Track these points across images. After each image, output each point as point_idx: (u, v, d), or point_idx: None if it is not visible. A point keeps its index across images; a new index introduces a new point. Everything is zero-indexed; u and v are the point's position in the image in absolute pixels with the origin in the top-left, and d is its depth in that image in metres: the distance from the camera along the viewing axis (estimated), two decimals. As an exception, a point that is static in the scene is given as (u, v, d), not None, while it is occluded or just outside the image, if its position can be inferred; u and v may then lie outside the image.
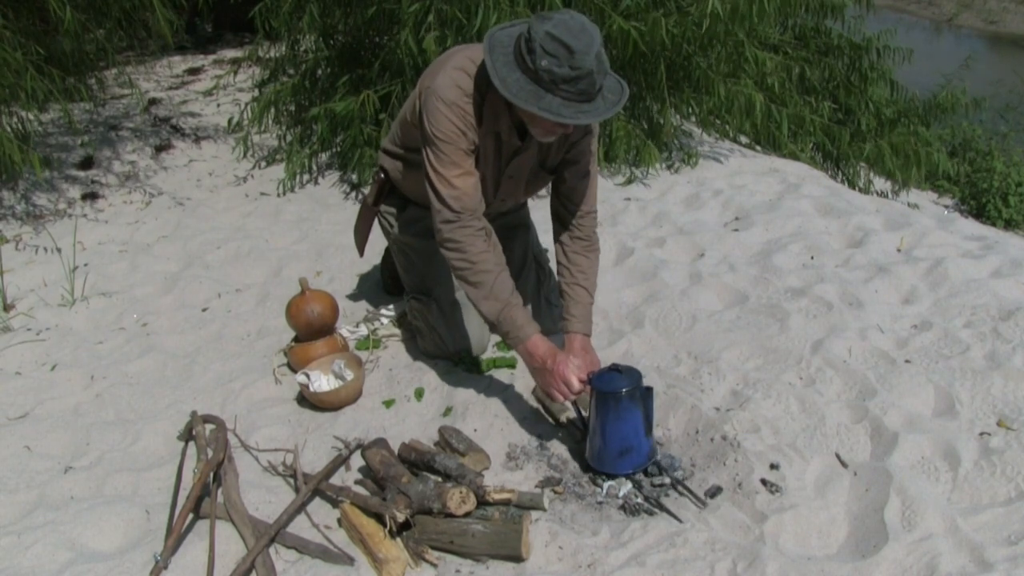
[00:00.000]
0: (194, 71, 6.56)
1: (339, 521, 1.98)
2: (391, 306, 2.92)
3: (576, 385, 2.12)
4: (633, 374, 2.08)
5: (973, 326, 2.65)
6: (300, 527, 1.98)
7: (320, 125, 4.28)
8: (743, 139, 5.04)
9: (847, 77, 5.65)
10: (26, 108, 3.94)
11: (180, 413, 2.47)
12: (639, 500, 2.02)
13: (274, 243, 3.69)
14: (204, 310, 3.15)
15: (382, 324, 2.85)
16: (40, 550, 1.92)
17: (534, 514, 1.95)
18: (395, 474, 1.98)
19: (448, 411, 2.39)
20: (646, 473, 2.10)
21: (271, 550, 1.90)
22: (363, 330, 2.82)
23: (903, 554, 1.79)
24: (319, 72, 4.76)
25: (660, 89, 4.32)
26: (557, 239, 2.43)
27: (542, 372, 2.17)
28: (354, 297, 3.14)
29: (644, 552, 1.83)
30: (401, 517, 1.86)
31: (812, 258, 3.21)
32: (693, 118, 4.80)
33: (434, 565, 1.85)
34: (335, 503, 2.03)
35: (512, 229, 2.68)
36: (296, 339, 2.68)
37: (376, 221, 2.71)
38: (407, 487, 1.91)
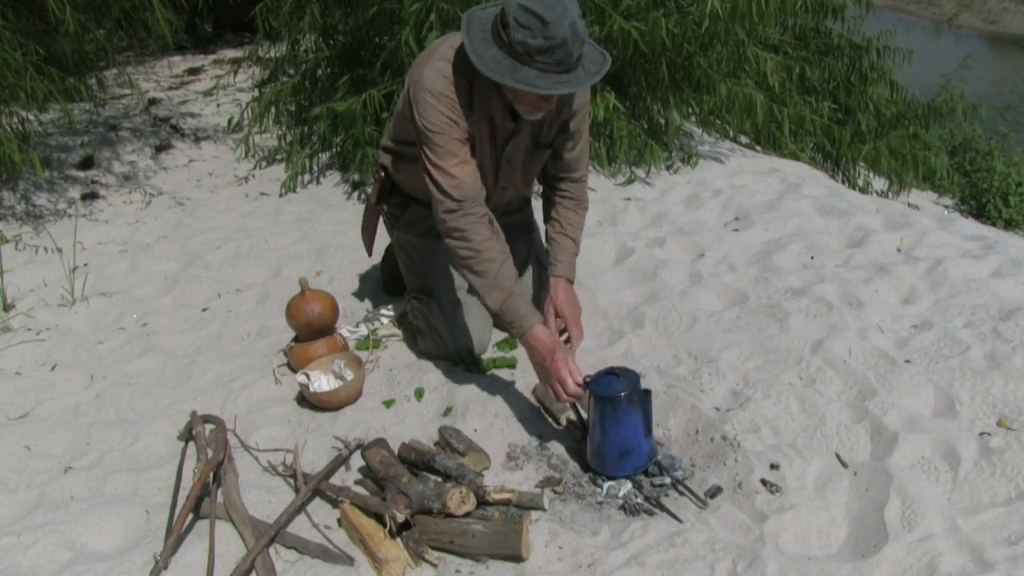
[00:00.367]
0: (194, 71, 6.56)
1: (339, 521, 1.98)
2: (391, 306, 2.92)
3: (571, 386, 2.10)
4: (631, 377, 2.08)
5: (973, 326, 2.65)
6: (300, 527, 1.98)
7: (321, 125, 4.28)
8: (743, 139, 5.04)
9: (847, 77, 5.65)
10: (26, 108, 3.94)
11: (180, 413, 2.47)
12: (639, 500, 2.02)
13: (274, 243, 3.69)
14: (204, 310, 3.15)
15: (382, 324, 2.85)
16: (40, 550, 1.92)
17: (534, 514, 1.95)
18: (395, 474, 1.98)
19: (448, 411, 2.39)
20: (646, 473, 2.10)
21: (271, 550, 1.90)
22: (363, 330, 2.82)
23: (903, 554, 1.79)
24: (319, 72, 4.76)
25: (662, 89, 4.32)
26: (546, 198, 2.49)
27: (541, 368, 2.18)
28: (354, 297, 3.14)
29: (644, 552, 1.83)
30: (401, 517, 1.86)
31: (812, 258, 3.21)
32: (693, 118, 4.80)
33: (434, 565, 1.85)
34: (335, 503, 2.03)
35: (516, 229, 2.67)
36: (296, 339, 2.68)
37: (380, 219, 2.72)
38: (407, 487, 1.91)
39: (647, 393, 2.09)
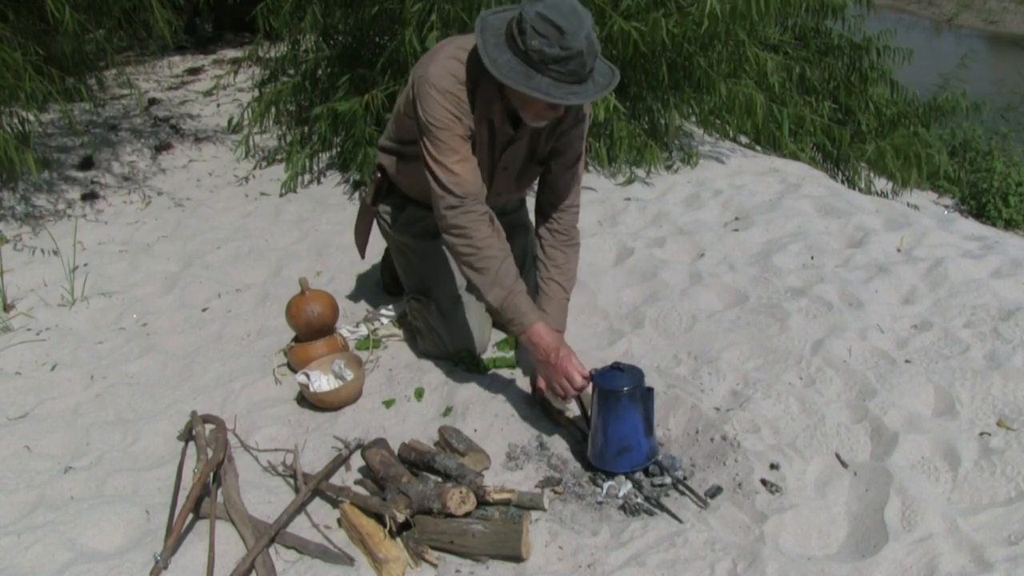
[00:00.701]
0: (194, 71, 6.56)
1: (339, 521, 1.98)
2: (391, 306, 2.92)
3: (579, 381, 2.12)
4: (635, 373, 2.08)
5: (973, 326, 2.65)
6: (300, 527, 1.98)
7: (321, 124, 4.28)
8: (743, 139, 5.04)
9: (847, 77, 5.65)
10: (26, 108, 3.94)
11: (180, 413, 2.47)
12: (639, 500, 2.02)
13: (274, 243, 3.69)
14: (204, 310, 3.15)
15: (382, 324, 2.85)
16: (40, 550, 1.92)
17: (534, 514, 1.95)
18: (395, 474, 1.98)
19: (448, 411, 2.39)
20: (646, 473, 2.10)
21: (271, 550, 1.90)
22: (363, 330, 2.82)
23: (903, 554, 1.79)
24: (320, 72, 4.76)
25: (663, 89, 4.32)
26: (537, 233, 2.45)
27: (545, 365, 2.18)
28: (354, 297, 3.14)
29: (644, 552, 1.83)
30: (401, 517, 1.86)
31: (812, 258, 3.21)
32: (693, 118, 4.80)
33: (434, 565, 1.85)
34: (335, 503, 2.03)
35: (512, 229, 2.67)
36: (296, 339, 2.68)
37: (375, 221, 2.71)
38: (407, 487, 1.91)
39: (650, 391, 2.09)
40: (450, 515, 1.88)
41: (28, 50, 3.76)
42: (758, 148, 4.96)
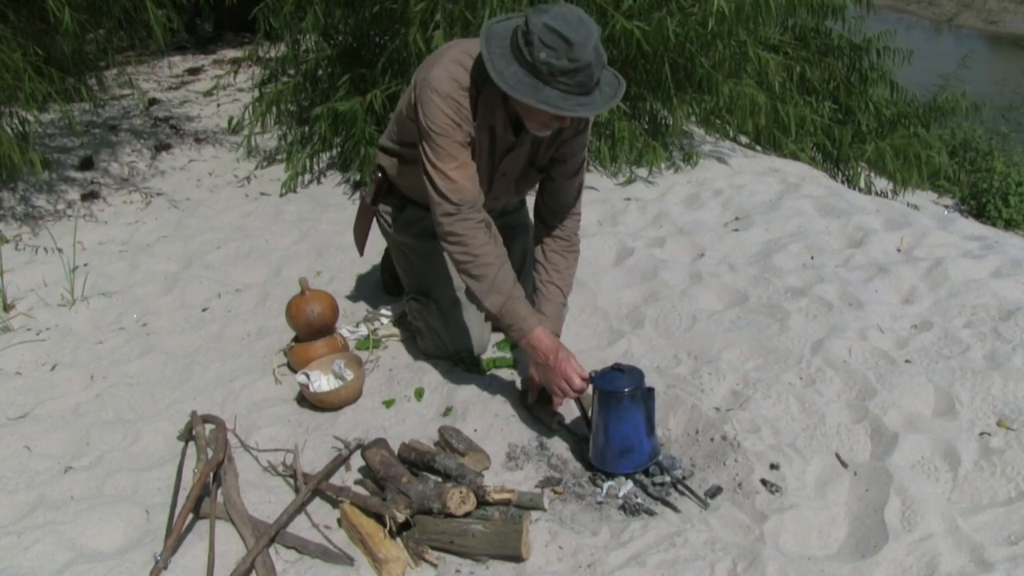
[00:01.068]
0: (194, 71, 6.56)
1: (339, 521, 1.98)
2: (391, 306, 2.92)
3: (578, 383, 2.12)
4: (635, 374, 2.08)
5: (973, 326, 2.65)
6: (300, 527, 1.98)
7: (322, 124, 4.28)
8: (743, 139, 5.04)
9: (847, 77, 5.66)
10: (26, 109, 3.94)
11: (180, 413, 2.47)
12: (639, 500, 2.02)
13: (274, 243, 3.69)
14: (204, 310, 3.15)
15: (382, 324, 2.85)
16: (40, 550, 1.92)
17: (534, 514, 1.95)
18: (395, 474, 1.98)
19: (448, 411, 2.39)
20: (647, 473, 2.10)
21: (271, 550, 1.90)
22: (363, 330, 2.82)
23: (903, 554, 1.79)
24: (320, 72, 4.76)
25: (665, 89, 4.32)
26: (538, 239, 2.44)
27: (545, 368, 2.18)
28: (354, 297, 3.14)
29: (644, 552, 1.83)
30: (401, 517, 1.86)
31: (812, 258, 3.21)
32: (693, 118, 4.80)
33: (434, 565, 1.85)
34: (335, 503, 2.03)
35: (511, 229, 2.67)
36: (296, 339, 2.68)
37: (375, 221, 2.71)
38: (407, 487, 1.91)
39: (650, 391, 2.09)
40: (450, 515, 1.88)
41: (28, 50, 3.76)
42: (758, 148, 4.96)
